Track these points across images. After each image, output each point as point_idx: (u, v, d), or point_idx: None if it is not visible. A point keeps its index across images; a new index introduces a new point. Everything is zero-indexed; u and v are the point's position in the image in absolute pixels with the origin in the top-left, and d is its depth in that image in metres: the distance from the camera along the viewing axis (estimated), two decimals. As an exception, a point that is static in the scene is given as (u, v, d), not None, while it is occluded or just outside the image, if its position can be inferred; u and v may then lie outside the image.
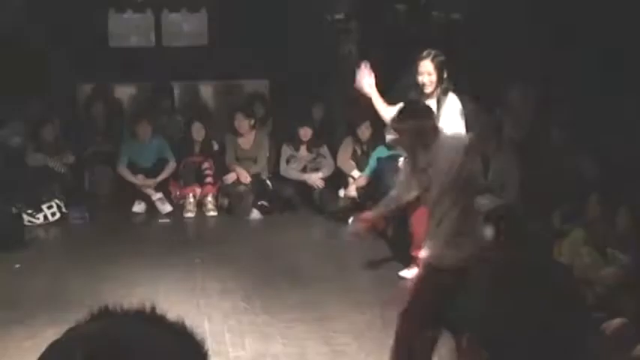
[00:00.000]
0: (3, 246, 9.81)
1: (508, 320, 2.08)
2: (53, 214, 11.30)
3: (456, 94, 8.33)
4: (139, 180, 11.99)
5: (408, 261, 8.89)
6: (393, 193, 6.65)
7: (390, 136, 7.32)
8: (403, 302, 6.01)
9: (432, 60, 8.19)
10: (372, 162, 11.37)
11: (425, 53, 8.28)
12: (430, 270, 5.98)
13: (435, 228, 5.97)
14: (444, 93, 8.20)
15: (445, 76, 8.21)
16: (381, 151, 11.08)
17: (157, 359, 1.48)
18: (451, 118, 8.16)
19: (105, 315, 1.57)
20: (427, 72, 8.20)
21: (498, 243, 9.96)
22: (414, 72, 8.45)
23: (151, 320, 1.55)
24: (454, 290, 5.82)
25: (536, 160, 11.01)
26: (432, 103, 8.23)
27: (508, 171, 10.55)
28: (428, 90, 8.24)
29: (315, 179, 12.07)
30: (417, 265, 8.57)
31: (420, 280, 6.11)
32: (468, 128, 8.34)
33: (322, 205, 11.89)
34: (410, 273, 8.61)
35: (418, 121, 6.00)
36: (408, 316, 5.95)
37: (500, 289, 2.14)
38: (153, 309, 1.56)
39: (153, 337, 1.51)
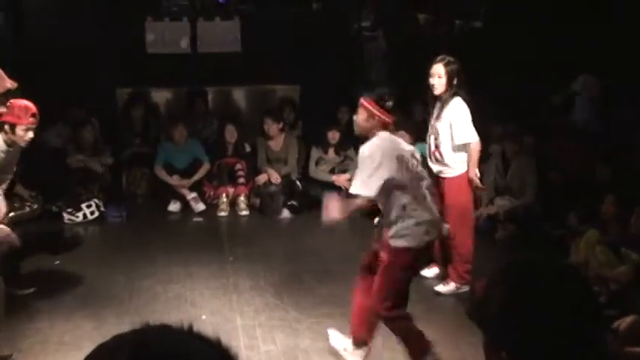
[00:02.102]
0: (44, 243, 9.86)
1: (523, 322, 2.08)
2: (92, 213, 11.34)
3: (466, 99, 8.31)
4: (174, 180, 12.02)
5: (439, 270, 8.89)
6: None
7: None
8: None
9: (445, 65, 8.21)
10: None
11: (440, 57, 8.33)
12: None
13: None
14: (450, 97, 8.20)
15: (455, 82, 8.20)
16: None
17: None
18: (456, 118, 8.20)
19: (147, 327, 1.61)
20: (437, 74, 8.23)
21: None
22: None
23: (190, 333, 1.58)
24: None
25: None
26: (438, 105, 8.30)
27: (527, 173, 10.54)
28: (436, 92, 8.30)
29: (343, 180, 12.08)
30: (453, 279, 8.57)
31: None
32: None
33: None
34: (446, 288, 8.58)
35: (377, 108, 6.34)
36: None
37: (515, 292, 2.15)
38: (191, 326, 1.60)
39: (193, 347, 1.55)
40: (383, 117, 6.31)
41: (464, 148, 8.25)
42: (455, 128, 8.19)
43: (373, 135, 6.31)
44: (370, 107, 6.31)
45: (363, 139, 6.40)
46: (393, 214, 6.23)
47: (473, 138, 8.21)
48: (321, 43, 13.75)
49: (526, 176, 10.54)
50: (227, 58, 13.96)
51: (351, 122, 13.22)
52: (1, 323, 6.71)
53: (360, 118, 6.43)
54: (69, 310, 8.00)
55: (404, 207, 6.20)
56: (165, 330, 1.60)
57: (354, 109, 13.39)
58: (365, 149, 6.25)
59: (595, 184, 9.73)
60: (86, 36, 13.25)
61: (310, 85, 13.85)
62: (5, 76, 5.86)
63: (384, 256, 6.26)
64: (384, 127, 6.35)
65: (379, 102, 6.34)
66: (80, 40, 13.14)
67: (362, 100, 6.41)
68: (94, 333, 7.36)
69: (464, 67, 8.32)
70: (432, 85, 8.28)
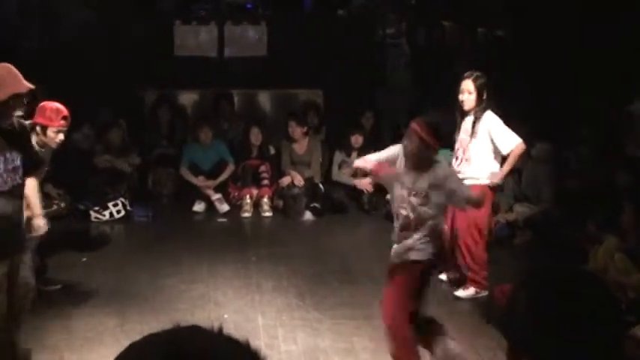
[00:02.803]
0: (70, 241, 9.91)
1: (546, 329, 2.10)
2: (118, 212, 11.36)
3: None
4: (199, 181, 12.04)
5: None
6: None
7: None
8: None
9: (474, 80, 8.20)
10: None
11: (468, 73, 8.31)
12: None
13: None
14: (482, 111, 8.17)
15: (485, 97, 8.17)
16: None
17: None
18: (495, 130, 8.16)
19: (179, 328, 1.62)
20: (467, 90, 8.22)
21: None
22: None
23: (220, 335, 1.59)
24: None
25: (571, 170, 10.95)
26: (469, 120, 8.26)
27: (541, 181, 10.50)
28: (466, 107, 8.28)
29: (365, 184, 12.06)
30: (473, 285, 8.52)
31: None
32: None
33: (371, 207, 11.90)
34: (465, 293, 8.53)
35: (431, 137, 6.03)
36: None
37: (537, 300, 2.16)
38: (221, 327, 1.63)
39: (224, 349, 1.58)
40: (437, 147, 6.12)
41: (493, 162, 8.22)
42: (497, 140, 8.14)
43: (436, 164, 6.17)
44: (426, 137, 5.99)
45: (416, 163, 6.15)
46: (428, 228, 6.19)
47: (517, 140, 8.16)
48: (345, 48, 13.76)
49: (540, 184, 10.50)
50: (253, 61, 13.98)
51: (374, 127, 13.32)
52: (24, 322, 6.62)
53: (412, 146, 6.07)
54: (93, 306, 8.02)
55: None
56: (196, 331, 1.61)
57: (377, 114, 13.49)
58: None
59: (615, 192, 9.67)
60: (115, 38, 13.34)
61: (333, 89, 13.85)
62: (21, 78, 5.71)
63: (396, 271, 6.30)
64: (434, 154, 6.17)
65: (434, 130, 6.06)
66: (109, 43, 13.22)
67: (415, 127, 6.07)
68: (117, 330, 7.38)
69: (486, 74, 8.31)
70: (462, 102, 8.26)
